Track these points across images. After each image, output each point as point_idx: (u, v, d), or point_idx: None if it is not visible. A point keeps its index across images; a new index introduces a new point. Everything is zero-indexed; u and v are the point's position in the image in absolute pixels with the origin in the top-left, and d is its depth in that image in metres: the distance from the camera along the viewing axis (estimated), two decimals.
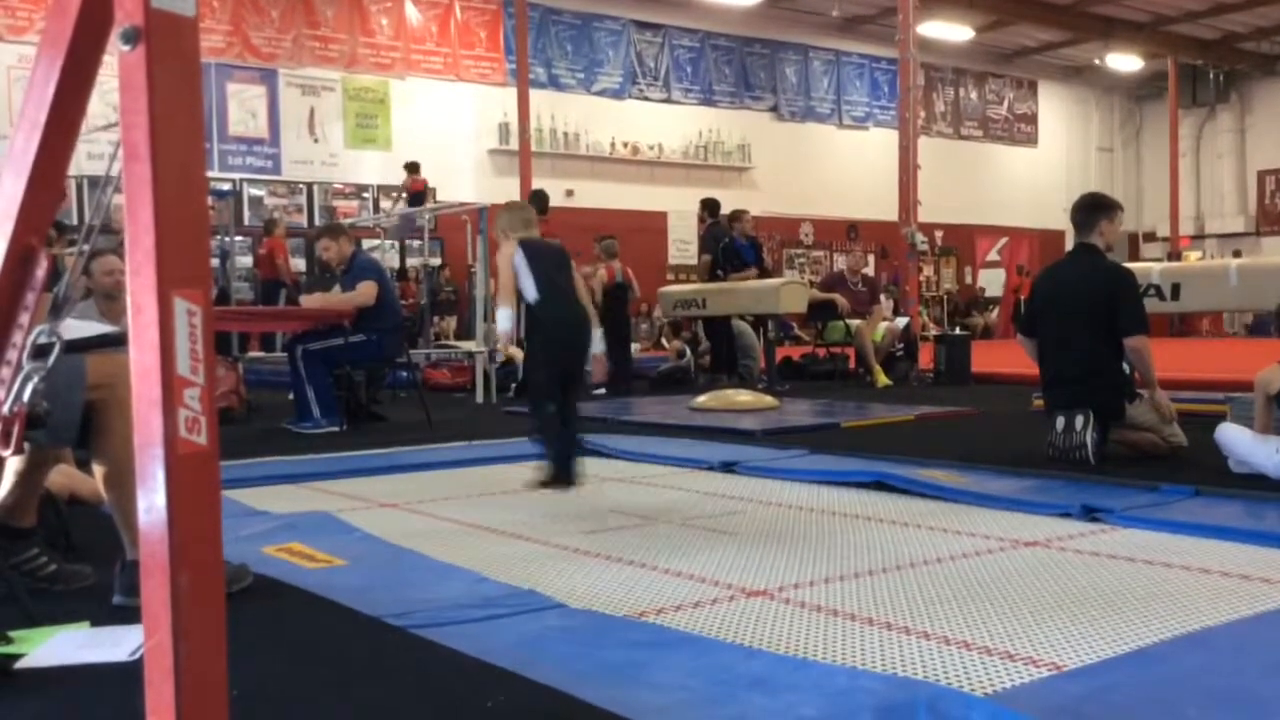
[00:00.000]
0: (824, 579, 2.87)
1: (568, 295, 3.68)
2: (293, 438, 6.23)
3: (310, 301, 7.22)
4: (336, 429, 6.47)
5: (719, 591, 2.76)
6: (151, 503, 1.13)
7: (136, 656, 2.09)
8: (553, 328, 3.62)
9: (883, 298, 10.82)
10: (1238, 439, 4.12)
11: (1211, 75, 23.18)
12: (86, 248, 1.58)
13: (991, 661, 2.15)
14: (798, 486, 4.38)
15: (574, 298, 3.75)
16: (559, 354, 3.61)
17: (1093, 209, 4.84)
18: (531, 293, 3.60)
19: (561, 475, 3.52)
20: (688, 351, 11.26)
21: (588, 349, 3.77)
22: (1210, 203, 24.24)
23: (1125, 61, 22.33)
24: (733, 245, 10.54)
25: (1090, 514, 3.59)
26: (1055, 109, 24.41)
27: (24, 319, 1.32)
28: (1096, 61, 22.69)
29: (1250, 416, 4.44)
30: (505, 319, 3.86)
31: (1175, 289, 6.13)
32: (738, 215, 10.83)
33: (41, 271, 1.32)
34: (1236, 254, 19.74)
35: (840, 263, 12.55)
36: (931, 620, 2.45)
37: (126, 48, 1.14)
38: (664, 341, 14.45)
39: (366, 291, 6.65)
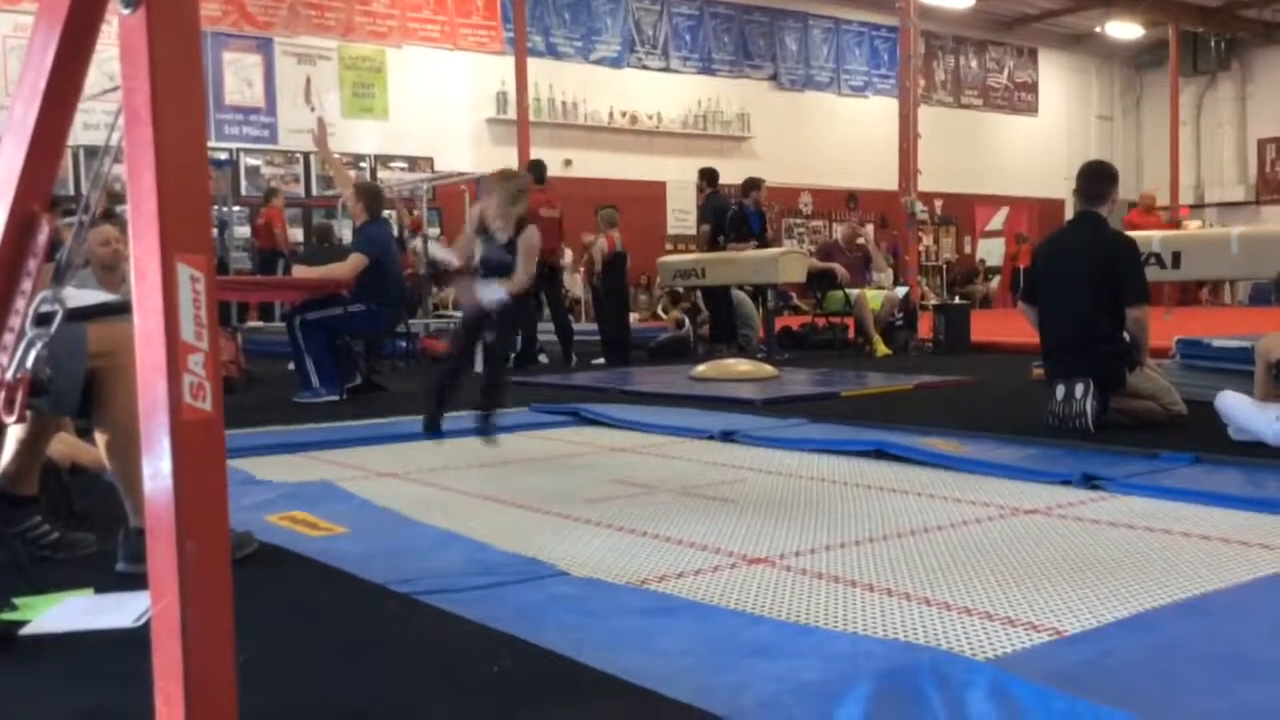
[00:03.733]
0: (825, 546, 2.88)
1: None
2: (293, 407, 6.23)
3: (299, 272, 7.35)
4: (336, 398, 6.49)
5: (720, 559, 2.77)
6: (157, 469, 1.13)
7: (142, 622, 2.09)
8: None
9: (875, 274, 10.78)
10: (1237, 406, 4.13)
11: (1213, 43, 23.03)
12: (86, 218, 1.57)
13: (992, 627, 2.16)
14: (798, 455, 4.38)
15: None
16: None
17: (1107, 178, 4.82)
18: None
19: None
20: (687, 321, 11.25)
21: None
22: (1210, 171, 24.16)
23: (1126, 29, 22.17)
24: (742, 213, 10.53)
25: (1090, 482, 3.59)
26: (1055, 77, 24.28)
27: (27, 285, 1.32)
28: (1097, 29, 22.53)
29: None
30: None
31: (1176, 257, 6.12)
32: (755, 183, 10.78)
33: (44, 238, 1.31)
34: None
35: (838, 232, 12.55)
36: (933, 586, 2.46)
37: (127, 11, 1.13)
38: (661, 312, 14.44)
39: (349, 264, 6.67)
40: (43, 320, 1.31)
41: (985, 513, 3.26)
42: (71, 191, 12.02)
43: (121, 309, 2.66)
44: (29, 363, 1.30)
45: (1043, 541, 2.88)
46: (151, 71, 1.12)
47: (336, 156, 9.99)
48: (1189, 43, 22.84)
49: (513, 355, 9.13)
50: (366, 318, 6.75)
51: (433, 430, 4.23)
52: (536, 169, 10.19)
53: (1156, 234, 7.17)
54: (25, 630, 2.15)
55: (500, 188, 4.19)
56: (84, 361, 2.53)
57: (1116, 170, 4.96)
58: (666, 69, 18.91)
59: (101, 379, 2.56)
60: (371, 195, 7.22)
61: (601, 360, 9.27)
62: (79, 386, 2.54)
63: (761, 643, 2.01)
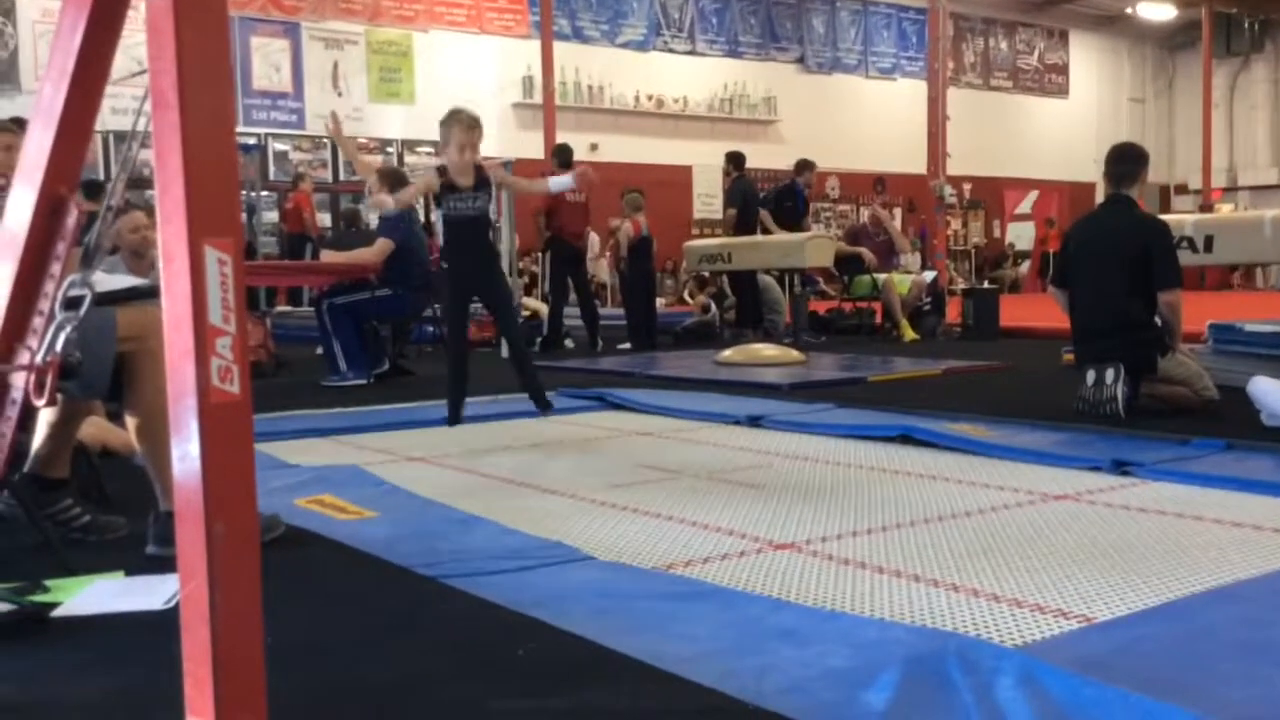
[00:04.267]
0: (852, 532, 2.87)
1: None
2: (320, 391, 6.26)
3: (327, 257, 7.43)
4: (363, 382, 6.52)
5: (746, 544, 2.76)
6: (185, 451, 1.14)
7: (171, 604, 2.11)
8: None
9: (902, 257, 10.80)
10: (1270, 392, 4.08)
11: (1246, 24, 22.73)
12: (113, 204, 1.57)
13: (1021, 614, 2.15)
14: (825, 440, 4.37)
15: None
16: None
17: (1136, 160, 4.77)
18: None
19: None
20: (713, 306, 11.22)
21: None
22: (1243, 154, 23.86)
23: (1158, 10, 21.92)
24: (794, 190, 10.65)
25: (1120, 468, 3.56)
26: (1086, 59, 24.02)
27: (56, 269, 1.32)
28: (1129, 10, 22.29)
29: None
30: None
31: (1209, 241, 6.04)
32: (809, 164, 10.95)
33: (72, 221, 1.32)
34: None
35: (865, 216, 12.52)
36: (961, 573, 2.45)
37: None
38: (688, 296, 14.40)
39: (376, 249, 6.72)
40: (72, 304, 1.32)
41: (1014, 498, 3.24)
42: (102, 177, 12.11)
43: (150, 293, 2.68)
44: (58, 346, 1.30)
45: (1072, 527, 2.85)
46: (179, 54, 1.12)
47: (361, 142, 10.05)
48: (1222, 24, 22.55)
49: (538, 340, 9.14)
50: (393, 302, 6.79)
51: (456, 422, 4.56)
52: (562, 153, 10.18)
53: (1190, 217, 7.08)
54: (56, 612, 2.17)
55: (452, 123, 4.36)
56: (113, 345, 2.54)
57: (1146, 151, 4.90)
58: (693, 52, 18.84)
59: (130, 362, 2.58)
60: (395, 180, 7.23)
61: (627, 345, 9.26)
62: (108, 370, 2.55)
63: (788, 628, 2.00)
